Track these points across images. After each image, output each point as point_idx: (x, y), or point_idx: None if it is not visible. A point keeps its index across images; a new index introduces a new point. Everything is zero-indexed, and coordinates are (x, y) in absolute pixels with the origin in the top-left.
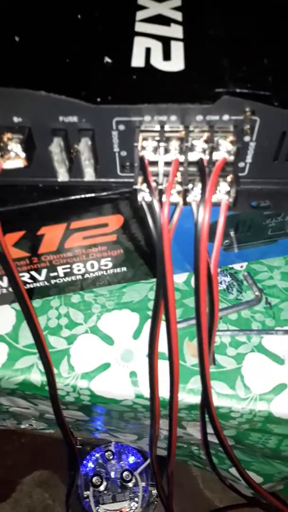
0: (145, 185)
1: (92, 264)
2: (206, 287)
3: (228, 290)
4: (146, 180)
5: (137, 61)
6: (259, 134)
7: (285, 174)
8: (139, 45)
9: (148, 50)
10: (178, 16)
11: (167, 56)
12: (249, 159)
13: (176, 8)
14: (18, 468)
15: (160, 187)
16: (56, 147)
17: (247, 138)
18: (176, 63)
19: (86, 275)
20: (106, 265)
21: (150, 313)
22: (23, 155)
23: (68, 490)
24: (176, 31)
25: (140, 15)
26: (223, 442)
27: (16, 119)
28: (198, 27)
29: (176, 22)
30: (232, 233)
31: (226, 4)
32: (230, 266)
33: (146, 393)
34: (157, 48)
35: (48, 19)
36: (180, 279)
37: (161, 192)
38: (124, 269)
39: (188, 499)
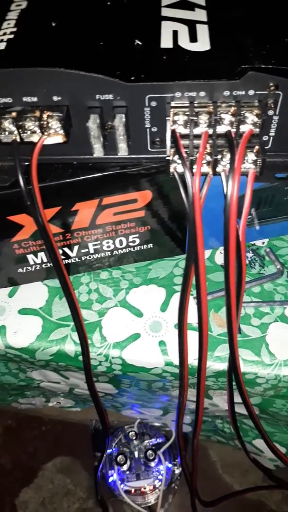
0: (176, 156)
1: (121, 241)
2: (235, 254)
3: (250, 265)
4: (178, 152)
5: (166, 43)
6: (282, 108)
7: None
8: (166, 28)
9: (175, 33)
10: (201, 1)
11: (193, 38)
12: (272, 132)
13: None
14: (39, 454)
15: (190, 157)
16: (93, 123)
17: (270, 112)
18: (203, 44)
19: (115, 252)
20: (133, 242)
21: (176, 288)
22: (62, 131)
23: (95, 469)
24: (200, 15)
25: (165, 1)
26: (249, 408)
27: (55, 98)
28: (221, 10)
29: (199, 6)
30: (253, 210)
31: None
32: (252, 242)
33: (175, 361)
34: (183, 30)
35: (80, 6)
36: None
37: (191, 163)
38: (150, 245)
39: (207, 483)
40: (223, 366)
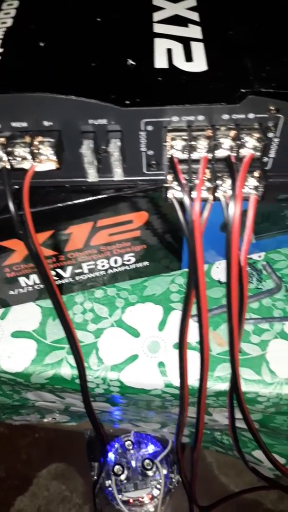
0: (176, 183)
1: (116, 260)
2: (237, 279)
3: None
4: (177, 179)
5: (160, 62)
6: (283, 131)
7: None
8: (160, 46)
9: (169, 51)
10: (195, 16)
11: (189, 57)
12: (272, 154)
13: (192, 8)
14: (34, 462)
15: (189, 184)
16: (86, 149)
17: (271, 134)
18: (199, 64)
19: (109, 271)
20: (129, 260)
21: (172, 305)
22: (54, 157)
23: (92, 480)
24: (195, 31)
25: (157, 16)
26: (250, 426)
27: (46, 123)
28: (216, 27)
29: (194, 22)
30: None
31: (242, 3)
32: (249, 256)
33: (175, 382)
34: (178, 49)
35: (69, 23)
36: None
37: (190, 189)
38: (146, 263)
39: (203, 484)
40: (224, 386)
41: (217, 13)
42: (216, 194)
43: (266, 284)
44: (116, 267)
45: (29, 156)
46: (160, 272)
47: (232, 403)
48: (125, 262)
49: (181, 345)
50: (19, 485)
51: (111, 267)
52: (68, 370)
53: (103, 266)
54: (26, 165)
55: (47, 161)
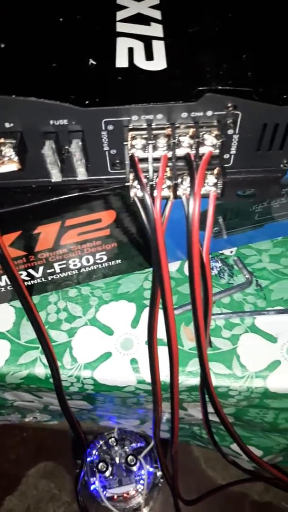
0: (136, 181)
1: (88, 259)
2: (200, 275)
3: (219, 275)
4: (137, 177)
5: (121, 61)
6: (242, 127)
7: (268, 162)
8: (122, 45)
9: (131, 50)
10: (157, 14)
11: (149, 55)
12: (233, 150)
13: (155, 7)
14: (22, 461)
15: (151, 183)
16: (48, 149)
17: (230, 131)
18: (159, 62)
19: (82, 270)
20: (101, 259)
21: (146, 302)
22: (16, 159)
23: (76, 477)
24: (156, 29)
25: (120, 15)
26: (223, 420)
27: (7, 125)
28: (177, 25)
29: (156, 20)
30: (220, 220)
31: (203, 2)
32: (220, 252)
33: (148, 378)
34: (139, 47)
35: (31, 24)
36: (173, 267)
37: (152, 188)
38: (118, 261)
39: (191, 478)
40: (196, 381)
41: (178, 11)
42: (177, 193)
43: (237, 279)
44: (88, 266)
45: None
46: (133, 270)
47: (204, 398)
48: (97, 261)
49: (151, 341)
50: (8, 485)
51: (83, 266)
52: (42, 370)
53: (75, 265)
54: None
55: (10, 162)
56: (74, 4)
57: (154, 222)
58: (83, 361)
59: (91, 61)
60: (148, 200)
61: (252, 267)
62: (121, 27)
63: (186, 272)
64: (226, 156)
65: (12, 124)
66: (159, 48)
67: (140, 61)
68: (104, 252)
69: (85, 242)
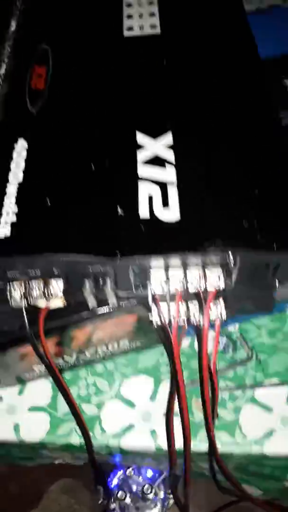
0: (156, 312)
1: (113, 345)
2: (208, 383)
3: (225, 350)
4: (158, 314)
5: (143, 211)
6: (242, 265)
7: (265, 285)
8: (143, 191)
9: (150, 199)
10: (171, 156)
11: (165, 202)
12: (234, 278)
13: (170, 147)
14: (43, 479)
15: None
16: (87, 286)
17: (231, 267)
18: (173, 212)
19: (108, 353)
20: (124, 344)
21: (162, 376)
22: (62, 296)
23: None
24: (171, 174)
25: (140, 157)
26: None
27: (55, 271)
28: (188, 169)
29: (170, 163)
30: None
31: (212, 148)
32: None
33: (165, 446)
34: (157, 194)
35: (69, 177)
36: (184, 343)
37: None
38: (138, 343)
39: (202, 495)
40: (205, 447)
41: (189, 154)
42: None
43: (240, 353)
44: (113, 349)
45: (42, 296)
46: (150, 346)
47: (211, 459)
48: (121, 345)
49: (168, 420)
50: (31, 499)
51: (109, 350)
52: (77, 439)
53: (103, 350)
54: (40, 303)
55: (57, 299)
56: (102, 149)
57: (172, 346)
58: (111, 432)
59: (120, 212)
60: (167, 329)
61: (253, 342)
62: (141, 170)
63: (197, 347)
64: (228, 282)
65: (59, 270)
66: (173, 194)
67: (158, 210)
68: (127, 339)
69: (113, 337)
